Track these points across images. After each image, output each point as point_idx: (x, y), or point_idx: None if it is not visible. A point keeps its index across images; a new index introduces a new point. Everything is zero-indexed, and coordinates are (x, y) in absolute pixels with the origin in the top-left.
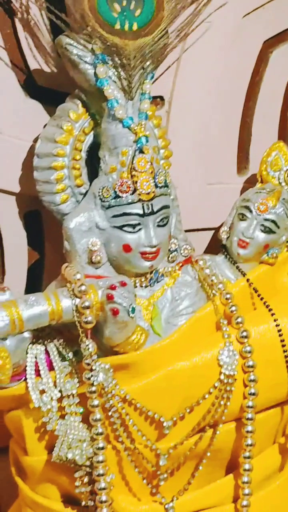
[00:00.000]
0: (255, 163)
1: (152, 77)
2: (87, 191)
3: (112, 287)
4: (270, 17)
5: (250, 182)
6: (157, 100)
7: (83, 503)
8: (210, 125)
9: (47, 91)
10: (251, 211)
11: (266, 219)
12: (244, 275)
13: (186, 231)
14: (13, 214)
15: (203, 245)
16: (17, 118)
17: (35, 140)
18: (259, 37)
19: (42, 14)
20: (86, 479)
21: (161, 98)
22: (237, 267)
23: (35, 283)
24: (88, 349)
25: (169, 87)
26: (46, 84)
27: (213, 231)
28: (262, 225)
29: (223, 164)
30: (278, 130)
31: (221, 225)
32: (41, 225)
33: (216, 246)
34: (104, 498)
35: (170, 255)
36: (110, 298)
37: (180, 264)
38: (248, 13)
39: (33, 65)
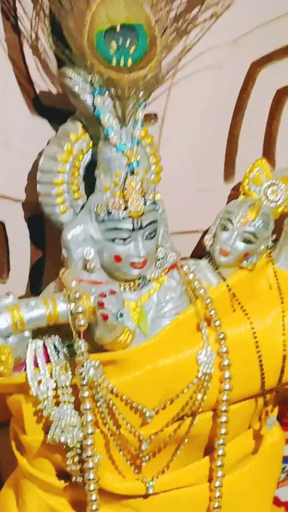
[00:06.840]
0: (241, 172)
1: (145, 106)
2: (84, 203)
3: (103, 295)
4: (258, 40)
5: (236, 189)
6: (151, 116)
7: (74, 479)
8: (199, 137)
9: (52, 109)
10: (232, 223)
11: (246, 231)
12: (224, 280)
13: (176, 233)
14: (19, 218)
15: (191, 246)
16: (24, 134)
17: (40, 153)
18: (247, 58)
19: (47, 41)
20: (76, 459)
21: (155, 114)
22: (219, 272)
23: (36, 279)
24: (80, 348)
25: (163, 103)
26: (51, 103)
27: (201, 233)
28: (243, 236)
29: (211, 172)
30: (264, 142)
31: (208, 229)
32: (43, 228)
33: (202, 247)
34: (91, 476)
35: (158, 262)
36: (101, 305)
37: (166, 270)
38: (238, 38)
39: (39, 87)
